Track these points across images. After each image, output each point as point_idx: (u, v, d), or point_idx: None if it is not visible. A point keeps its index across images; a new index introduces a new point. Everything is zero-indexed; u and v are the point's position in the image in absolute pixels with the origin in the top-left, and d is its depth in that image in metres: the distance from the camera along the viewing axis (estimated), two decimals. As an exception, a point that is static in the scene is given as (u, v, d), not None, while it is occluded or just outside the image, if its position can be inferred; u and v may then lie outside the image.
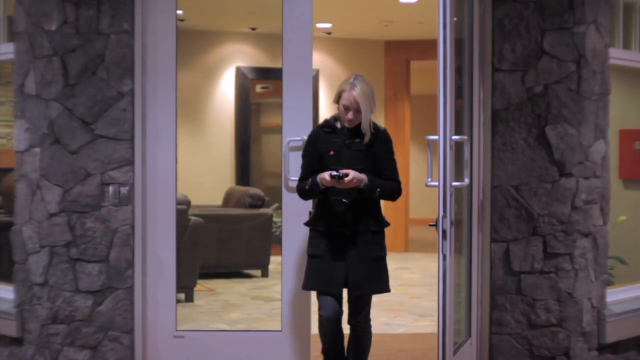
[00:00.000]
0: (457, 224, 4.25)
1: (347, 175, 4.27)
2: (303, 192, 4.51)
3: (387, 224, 4.57)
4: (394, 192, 4.48)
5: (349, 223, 4.43)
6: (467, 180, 4.37)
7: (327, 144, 4.43)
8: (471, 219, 4.94)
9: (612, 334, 5.05)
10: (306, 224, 4.60)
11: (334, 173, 4.27)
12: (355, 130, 4.40)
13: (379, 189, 4.37)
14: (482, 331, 4.99)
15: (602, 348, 5.03)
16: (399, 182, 4.53)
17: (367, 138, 4.40)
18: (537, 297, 4.88)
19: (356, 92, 4.32)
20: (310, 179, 4.42)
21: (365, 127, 4.38)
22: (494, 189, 4.91)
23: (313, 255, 4.49)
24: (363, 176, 4.33)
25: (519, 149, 4.86)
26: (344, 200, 4.41)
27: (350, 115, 4.34)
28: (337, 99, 4.40)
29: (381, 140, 4.46)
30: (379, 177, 4.42)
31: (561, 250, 4.86)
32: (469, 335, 4.96)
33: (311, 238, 4.54)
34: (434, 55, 4.19)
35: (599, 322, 5.00)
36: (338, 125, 4.44)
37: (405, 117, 11.75)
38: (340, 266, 4.43)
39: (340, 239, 4.44)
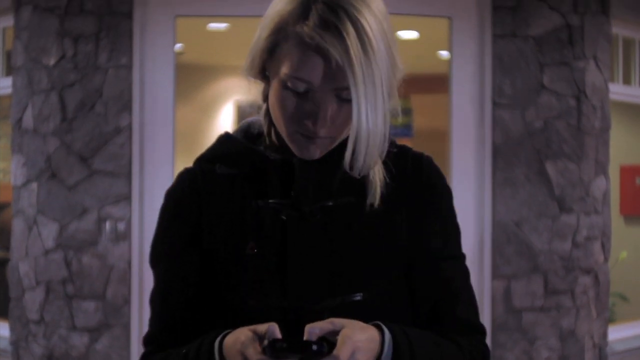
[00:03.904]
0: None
1: (330, 348, 1.37)
2: None
3: None
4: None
5: None
6: None
7: (230, 219, 1.60)
8: (471, 255, 4.90)
9: (615, 372, 5.00)
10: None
11: (283, 344, 1.35)
12: (332, 166, 1.55)
13: None
14: (483, 369, 4.93)
15: (605, 386, 4.98)
16: (476, 324, 1.64)
17: (375, 191, 1.56)
18: (538, 334, 4.83)
19: (348, 33, 1.43)
20: (195, 345, 1.53)
21: (373, 155, 1.51)
22: (495, 224, 4.88)
23: None
24: (376, 334, 1.44)
25: (519, 184, 4.84)
26: None
27: (322, 115, 1.47)
28: (263, 63, 1.54)
29: (425, 191, 1.62)
30: (417, 300, 1.61)
31: (562, 287, 4.82)
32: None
33: None
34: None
35: (601, 360, 4.95)
36: (269, 142, 1.64)
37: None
38: None
39: None
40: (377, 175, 1.57)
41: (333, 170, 1.55)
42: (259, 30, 1.53)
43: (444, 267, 1.60)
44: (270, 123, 1.60)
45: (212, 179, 1.62)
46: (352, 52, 1.41)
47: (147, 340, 1.67)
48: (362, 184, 1.56)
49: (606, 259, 5.04)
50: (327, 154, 1.55)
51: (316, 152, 1.53)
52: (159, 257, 1.66)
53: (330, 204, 1.56)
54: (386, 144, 1.54)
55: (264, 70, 1.55)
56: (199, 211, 1.61)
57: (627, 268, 5.78)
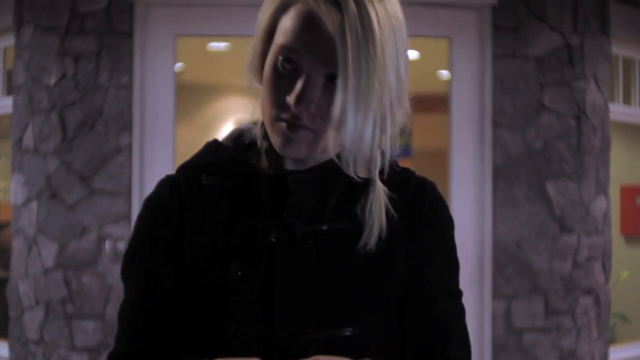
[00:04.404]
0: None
1: None
2: None
3: None
4: None
5: None
6: None
7: (214, 236, 1.47)
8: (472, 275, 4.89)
9: (616, 393, 4.98)
10: None
11: None
12: (329, 186, 1.47)
13: None
14: (484, 389, 4.92)
15: (606, 407, 4.96)
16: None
17: (372, 225, 1.44)
18: (539, 355, 4.81)
19: (347, 8, 1.34)
20: None
21: (356, 160, 1.43)
22: (495, 244, 4.87)
23: None
24: None
25: (519, 204, 4.83)
26: None
27: (307, 93, 1.36)
28: (263, 49, 1.46)
29: (426, 221, 1.50)
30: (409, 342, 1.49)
31: (563, 308, 4.80)
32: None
33: None
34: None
35: (602, 381, 4.93)
36: (262, 158, 1.51)
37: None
38: None
39: None
40: (377, 205, 1.44)
41: (329, 191, 1.45)
42: (259, 16, 1.45)
43: (440, 303, 1.49)
44: (266, 132, 1.47)
45: (197, 190, 1.49)
46: (347, 26, 1.32)
47: (112, 358, 1.50)
48: (360, 209, 1.44)
49: (607, 279, 5.03)
50: (323, 172, 1.45)
51: (300, 148, 1.39)
52: (131, 268, 1.51)
53: (325, 228, 1.43)
54: (377, 156, 1.45)
55: (263, 62, 1.45)
56: (180, 222, 1.48)
57: (628, 288, 5.77)
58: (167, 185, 1.53)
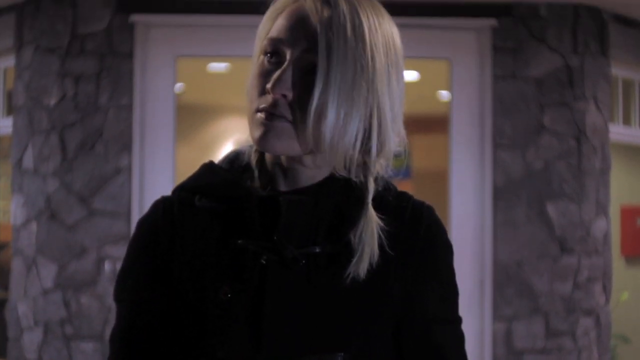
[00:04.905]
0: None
1: None
2: None
3: None
4: None
5: None
6: None
7: (205, 258, 1.45)
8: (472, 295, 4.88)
9: (617, 415, 4.96)
10: None
11: None
12: (322, 208, 1.43)
13: None
14: (484, 411, 4.90)
15: None
16: None
17: (363, 251, 1.39)
18: (540, 376, 4.80)
19: (337, 5, 1.36)
20: None
21: (332, 158, 1.41)
22: (495, 265, 4.86)
23: None
24: None
25: (520, 225, 4.82)
26: None
27: (282, 74, 1.36)
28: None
29: (423, 246, 1.46)
30: None
31: (563, 329, 4.79)
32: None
33: None
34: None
35: (603, 402, 4.91)
36: (256, 180, 1.48)
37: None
38: None
39: None
40: (369, 230, 1.40)
41: (322, 213, 1.41)
42: (258, 30, 1.44)
43: (438, 331, 1.44)
44: (261, 154, 1.47)
45: (190, 211, 1.47)
46: (334, 19, 1.34)
47: None
48: (352, 233, 1.39)
49: (607, 300, 5.02)
50: (316, 194, 1.42)
51: (276, 141, 1.36)
52: (123, 291, 1.51)
53: (317, 250, 1.39)
54: (377, 179, 1.43)
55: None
56: (171, 245, 1.46)
57: (628, 309, 5.76)
58: (160, 206, 1.52)
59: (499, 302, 4.83)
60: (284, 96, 1.35)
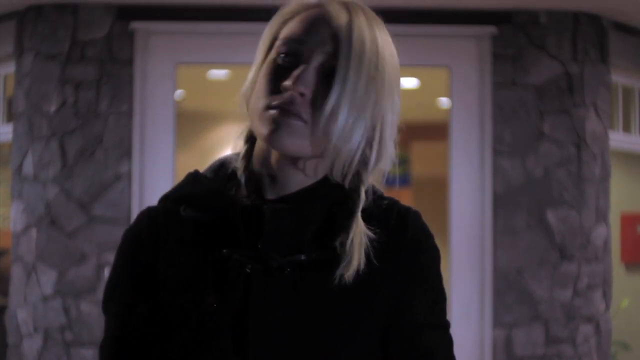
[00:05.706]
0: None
1: None
2: None
3: None
4: None
5: None
6: None
7: (190, 268, 1.45)
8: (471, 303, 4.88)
9: (617, 422, 4.95)
10: None
11: None
12: (308, 215, 1.42)
13: None
14: (484, 418, 4.89)
15: None
16: None
17: (352, 257, 1.38)
18: (540, 383, 4.80)
19: (357, 14, 1.39)
20: None
21: (339, 162, 1.41)
22: (495, 272, 4.86)
23: None
24: None
25: (520, 232, 4.82)
26: None
27: (301, 72, 1.36)
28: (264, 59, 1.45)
29: (409, 251, 1.44)
30: None
31: (563, 336, 4.78)
32: (471, 422, 4.86)
33: None
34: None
35: (603, 410, 4.91)
36: (242, 189, 1.47)
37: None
38: None
39: None
40: (357, 238, 1.38)
41: (308, 221, 1.40)
42: (263, 35, 1.45)
43: (426, 337, 1.42)
44: (247, 158, 1.47)
45: (175, 221, 1.46)
46: (355, 24, 1.37)
47: None
48: (339, 241, 1.38)
49: (607, 307, 5.01)
50: (302, 201, 1.41)
51: (288, 138, 1.35)
52: (110, 302, 1.51)
53: (303, 258, 1.38)
54: (368, 189, 1.43)
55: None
56: (156, 255, 1.46)
57: (628, 316, 5.76)
58: (145, 217, 1.52)
59: (499, 309, 4.83)
60: (301, 95, 1.35)
